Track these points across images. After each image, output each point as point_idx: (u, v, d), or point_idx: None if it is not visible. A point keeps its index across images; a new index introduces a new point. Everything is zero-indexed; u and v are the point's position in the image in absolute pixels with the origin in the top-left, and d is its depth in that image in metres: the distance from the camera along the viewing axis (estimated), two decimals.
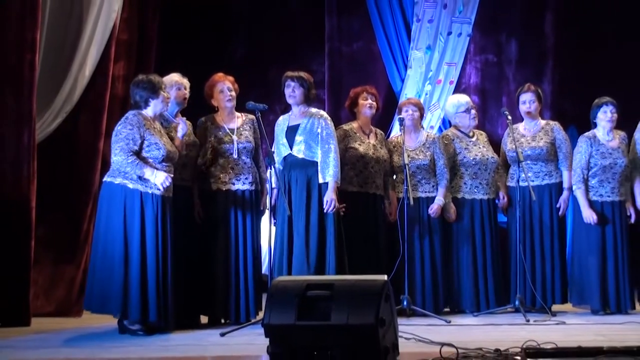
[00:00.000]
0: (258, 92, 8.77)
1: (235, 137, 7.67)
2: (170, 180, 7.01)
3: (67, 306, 8.29)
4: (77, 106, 8.42)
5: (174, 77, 7.60)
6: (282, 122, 7.89)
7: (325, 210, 7.60)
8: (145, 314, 6.87)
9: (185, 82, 7.67)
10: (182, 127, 7.14)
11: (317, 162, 7.68)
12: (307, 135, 7.69)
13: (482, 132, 8.83)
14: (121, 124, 6.98)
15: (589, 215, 8.09)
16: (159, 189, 6.95)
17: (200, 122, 7.77)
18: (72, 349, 6.31)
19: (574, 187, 8.20)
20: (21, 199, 7.65)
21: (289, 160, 7.75)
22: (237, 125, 7.73)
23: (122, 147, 6.88)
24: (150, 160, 6.94)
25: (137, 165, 6.87)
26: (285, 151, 7.75)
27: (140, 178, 6.89)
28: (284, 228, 7.65)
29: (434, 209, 8.22)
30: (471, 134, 8.60)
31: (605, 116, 8.19)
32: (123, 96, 8.91)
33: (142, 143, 6.94)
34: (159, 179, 6.92)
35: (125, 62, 9.03)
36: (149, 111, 7.08)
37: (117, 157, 6.88)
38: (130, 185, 6.91)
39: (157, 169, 6.92)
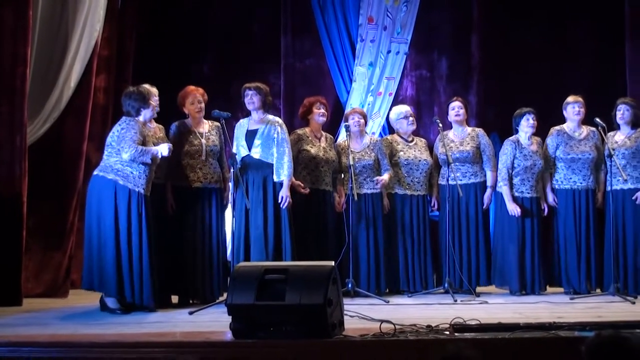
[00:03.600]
0: (222, 102, 8.73)
1: (204, 141, 7.66)
2: (171, 145, 7.18)
3: (54, 288, 8.25)
4: (64, 113, 8.38)
5: (145, 87, 7.56)
6: (243, 125, 7.92)
7: (281, 206, 7.64)
8: (133, 296, 6.91)
9: (155, 90, 7.58)
10: (169, 148, 7.11)
11: (272, 164, 7.71)
12: (264, 140, 7.72)
13: (422, 139, 8.92)
14: (124, 128, 7.00)
15: (513, 209, 8.16)
16: (144, 188, 6.97)
17: (174, 127, 7.74)
18: (59, 326, 6.28)
19: (500, 184, 8.28)
20: (14, 195, 7.63)
21: (247, 161, 7.77)
22: (205, 131, 7.74)
23: (130, 145, 6.90)
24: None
25: (147, 152, 6.95)
26: (244, 152, 7.77)
27: (134, 170, 6.92)
28: (242, 220, 7.68)
29: (380, 180, 8.25)
30: (410, 139, 8.68)
31: (527, 123, 8.28)
32: (103, 104, 8.91)
33: (143, 144, 6.97)
34: (164, 150, 7.05)
35: (106, 75, 9.00)
36: (140, 119, 7.10)
37: (127, 153, 6.91)
38: (121, 182, 6.94)
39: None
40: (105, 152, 7.09)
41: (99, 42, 8.60)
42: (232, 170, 7.59)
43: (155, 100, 7.50)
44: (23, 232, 7.68)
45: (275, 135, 7.72)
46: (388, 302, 7.69)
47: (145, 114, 7.17)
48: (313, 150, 8.17)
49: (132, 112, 7.10)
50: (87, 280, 7.07)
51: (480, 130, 8.68)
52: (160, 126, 7.68)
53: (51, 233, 8.36)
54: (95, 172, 7.11)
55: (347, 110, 9.36)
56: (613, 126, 8.39)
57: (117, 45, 9.27)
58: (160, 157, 7.06)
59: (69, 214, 8.39)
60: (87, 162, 8.43)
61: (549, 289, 8.37)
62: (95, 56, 8.57)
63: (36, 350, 5.25)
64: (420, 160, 8.53)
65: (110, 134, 7.11)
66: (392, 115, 8.84)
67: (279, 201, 7.65)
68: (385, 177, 8.31)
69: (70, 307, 7.45)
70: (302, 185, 7.98)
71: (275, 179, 7.70)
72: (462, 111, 8.60)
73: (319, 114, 8.28)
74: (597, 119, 8.15)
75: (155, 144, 7.23)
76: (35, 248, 8.24)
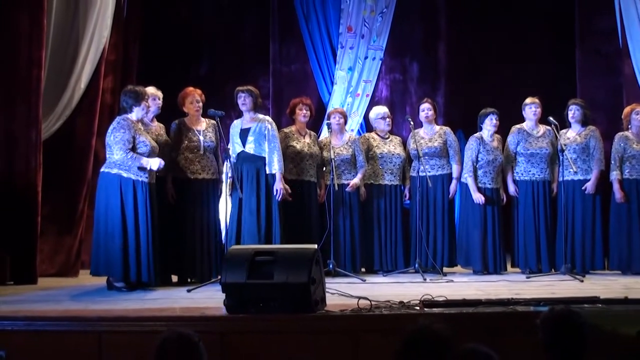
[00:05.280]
0: (217, 102, 8.70)
1: (201, 138, 7.66)
2: (163, 162, 7.06)
3: (66, 269, 8.22)
4: (75, 111, 8.35)
5: (151, 89, 7.55)
6: (237, 125, 7.94)
7: (277, 198, 7.69)
8: (139, 275, 6.88)
9: (159, 94, 7.66)
10: (159, 165, 7.07)
11: (264, 157, 7.73)
12: (256, 136, 7.74)
13: (397, 136, 8.94)
14: (115, 128, 6.96)
15: (478, 197, 8.21)
16: (147, 177, 6.95)
17: (174, 125, 7.74)
18: (70, 302, 6.27)
19: (465, 176, 8.31)
20: (30, 185, 7.62)
21: (241, 156, 7.79)
22: (202, 128, 7.74)
23: (120, 147, 6.87)
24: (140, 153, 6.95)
25: (135, 159, 6.89)
26: (238, 148, 7.80)
27: (138, 168, 6.88)
28: (236, 208, 7.69)
29: (350, 184, 8.30)
30: (387, 136, 8.70)
31: (490, 122, 8.33)
32: (110, 104, 8.85)
33: (134, 141, 6.93)
34: (154, 165, 6.96)
35: (112, 77, 8.96)
36: (132, 116, 7.07)
37: (118, 156, 6.87)
38: (125, 175, 6.90)
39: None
40: (107, 150, 7.07)
41: (106, 48, 8.58)
42: (226, 163, 7.60)
43: (154, 103, 7.50)
44: (38, 219, 7.67)
45: (266, 133, 7.76)
46: (365, 280, 7.71)
47: (137, 112, 7.08)
48: (298, 146, 8.19)
49: (126, 108, 7.08)
50: (94, 268, 7.07)
51: (447, 128, 8.72)
52: (161, 125, 7.70)
53: (63, 219, 8.33)
54: (101, 169, 7.09)
55: (329, 109, 9.37)
56: (565, 124, 8.44)
57: (123, 51, 9.24)
58: (149, 169, 6.98)
59: (79, 202, 8.36)
60: (95, 155, 8.40)
61: (508, 269, 8.42)
62: (103, 60, 8.55)
63: (50, 324, 5.26)
64: (394, 155, 8.55)
65: (107, 133, 7.08)
66: (372, 115, 8.87)
67: (275, 194, 7.70)
68: (356, 180, 8.34)
69: (80, 286, 7.42)
70: (292, 181, 8.03)
71: (268, 171, 7.75)
72: (430, 112, 8.63)
73: (302, 115, 8.33)
74: (551, 118, 8.21)
75: (156, 141, 7.26)
76: (49, 233, 8.21)
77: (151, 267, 6.91)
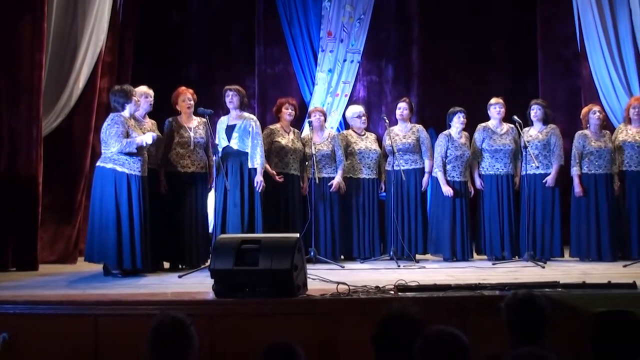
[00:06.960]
0: (206, 101, 8.69)
1: (192, 134, 7.64)
2: (155, 135, 7.06)
3: (65, 256, 8.18)
4: (73, 109, 8.32)
5: (143, 88, 7.52)
6: (223, 122, 7.91)
7: (257, 190, 7.65)
8: (134, 263, 6.85)
9: (151, 92, 7.60)
10: (153, 137, 7.04)
11: (247, 153, 7.71)
12: (241, 133, 7.71)
13: (372, 133, 8.96)
14: (109, 124, 6.94)
15: (447, 190, 8.22)
16: (139, 171, 6.92)
17: (168, 122, 7.72)
18: (69, 288, 6.24)
19: (435, 170, 8.33)
20: (31, 177, 7.60)
21: (226, 151, 7.75)
22: (194, 125, 7.72)
23: (116, 140, 6.85)
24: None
25: (131, 143, 6.86)
26: (224, 143, 7.76)
27: (129, 157, 6.86)
28: (221, 199, 7.66)
29: (333, 185, 8.30)
30: (363, 133, 8.70)
31: (458, 120, 8.34)
32: (106, 102, 8.72)
33: (127, 136, 6.89)
34: (148, 139, 6.93)
35: (109, 78, 8.90)
36: (125, 113, 7.04)
37: (115, 147, 6.84)
38: (119, 169, 6.87)
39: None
40: (103, 147, 7.05)
41: (103, 50, 8.55)
42: (214, 158, 7.59)
43: (146, 100, 7.47)
44: (39, 209, 7.65)
45: (250, 130, 7.72)
46: (343, 267, 7.72)
47: (130, 108, 7.07)
48: (283, 142, 8.18)
49: (118, 107, 7.04)
50: (88, 255, 7.04)
51: (420, 126, 8.73)
52: (153, 121, 7.66)
53: (62, 210, 8.30)
54: (97, 164, 7.07)
55: (310, 108, 9.37)
56: (528, 123, 8.47)
57: (118, 53, 9.19)
58: (145, 145, 6.97)
59: (77, 193, 8.34)
60: (92, 150, 8.37)
61: (476, 256, 8.45)
62: (100, 62, 8.52)
63: (50, 307, 5.24)
64: (370, 150, 8.56)
65: (102, 130, 7.07)
66: (348, 114, 8.87)
67: (255, 185, 7.66)
68: (338, 179, 8.34)
69: (78, 272, 7.38)
70: (276, 174, 8.03)
71: (250, 165, 7.71)
72: (406, 111, 8.62)
73: (287, 113, 8.32)
74: (515, 117, 8.22)
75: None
76: (49, 222, 8.17)
77: (145, 254, 6.89)
